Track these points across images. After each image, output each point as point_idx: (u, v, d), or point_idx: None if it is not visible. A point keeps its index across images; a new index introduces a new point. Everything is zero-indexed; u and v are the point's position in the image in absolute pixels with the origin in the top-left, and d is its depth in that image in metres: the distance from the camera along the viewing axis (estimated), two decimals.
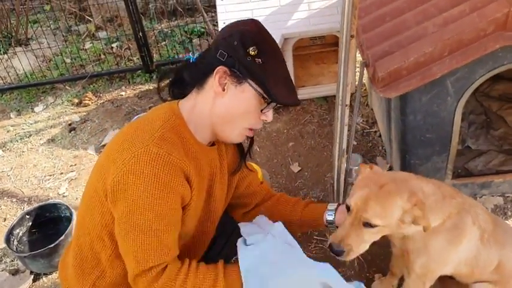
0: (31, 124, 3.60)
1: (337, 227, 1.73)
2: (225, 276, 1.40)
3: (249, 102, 1.40)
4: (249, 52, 1.34)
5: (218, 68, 1.36)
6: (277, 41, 2.98)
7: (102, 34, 4.52)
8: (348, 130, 2.12)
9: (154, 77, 3.92)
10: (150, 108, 3.57)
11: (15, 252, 2.37)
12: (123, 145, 1.33)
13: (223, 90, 1.38)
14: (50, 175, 3.07)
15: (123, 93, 3.81)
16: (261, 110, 1.44)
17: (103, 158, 1.43)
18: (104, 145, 3.25)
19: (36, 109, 3.76)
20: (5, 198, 2.93)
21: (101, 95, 3.82)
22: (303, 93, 3.31)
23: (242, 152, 1.69)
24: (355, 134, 2.94)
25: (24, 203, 2.88)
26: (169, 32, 4.41)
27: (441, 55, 1.93)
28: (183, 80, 1.49)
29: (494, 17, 1.84)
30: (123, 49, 4.30)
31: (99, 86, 3.93)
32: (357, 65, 3.29)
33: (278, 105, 1.45)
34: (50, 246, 2.29)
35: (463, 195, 1.71)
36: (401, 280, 2.04)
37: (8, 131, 3.54)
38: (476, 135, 2.76)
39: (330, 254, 1.55)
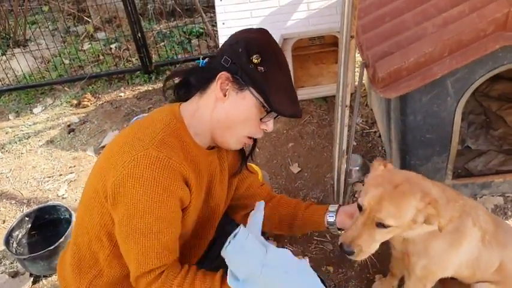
0: (30, 125, 3.59)
1: (338, 228, 1.73)
2: None
3: (248, 110, 1.40)
4: (252, 60, 1.34)
5: (221, 73, 1.36)
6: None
7: (100, 35, 4.51)
8: (348, 131, 2.12)
9: (153, 77, 3.92)
10: (149, 109, 3.57)
11: (15, 255, 2.37)
12: (124, 147, 1.34)
13: (225, 95, 1.38)
14: (49, 177, 3.07)
15: (122, 94, 3.81)
16: (261, 119, 1.43)
17: (103, 159, 1.43)
18: (103, 146, 3.24)
19: (35, 110, 3.75)
20: (4, 200, 2.92)
21: (100, 96, 3.82)
22: (302, 94, 3.30)
23: (243, 154, 1.69)
24: (355, 135, 2.94)
25: (24, 205, 2.88)
26: (168, 32, 4.40)
27: (441, 55, 1.93)
28: (189, 83, 1.49)
29: (494, 17, 1.84)
30: (121, 50, 4.29)
31: (98, 87, 3.92)
32: (356, 66, 3.28)
33: (278, 115, 1.44)
34: (49, 249, 2.28)
35: (464, 197, 1.71)
36: (402, 281, 2.05)
37: (6, 133, 3.53)
38: (476, 135, 2.76)
39: (339, 254, 1.53)
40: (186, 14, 4.57)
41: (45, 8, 4.68)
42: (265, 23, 2.98)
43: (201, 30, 4.37)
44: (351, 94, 2.16)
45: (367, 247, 1.50)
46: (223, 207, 1.70)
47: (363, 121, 3.13)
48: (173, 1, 4.59)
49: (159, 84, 3.84)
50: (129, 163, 1.29)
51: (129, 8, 3.56)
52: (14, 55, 4.05)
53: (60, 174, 3.07)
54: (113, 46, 4.35)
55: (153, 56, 4.06)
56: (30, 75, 3.98)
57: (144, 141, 1.32)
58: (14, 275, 2.44)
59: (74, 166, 3.13)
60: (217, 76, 1.37)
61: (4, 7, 4.46)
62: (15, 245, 2.43)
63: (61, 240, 2.32)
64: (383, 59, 2.03)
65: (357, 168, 2.73)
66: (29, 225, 2.51)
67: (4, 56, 4.15)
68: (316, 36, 3.43)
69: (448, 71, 1.92)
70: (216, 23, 3.31)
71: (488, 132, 2.76)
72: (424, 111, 2.13)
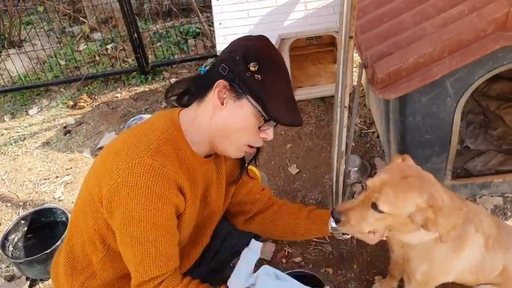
0: (25, 127, 3.56)
1: (342, 233, 1.71)
2: None
3: (246, 118, 1.38)
4: (249, 68, 1.33)
5: (218, 81, 1.35)
6: (274, 42, 2.97)
7: (96, 35, 4.48)
8: (347, 131, 2.10)
9: (149, 78, 3.89)
10: (146, 110, 3.55)
11: (11, 258, 2.34)
12: (120, 154, 1.33)
13: (222, 104, 1.37)
14: (45, 179, 3.04)
15: (118, 95, 3.78)
16: (260, 127, 1.41)
17: (99, 164, 1.43)
18: (99, 148, 3.22)
19: (31, 112, 3.72)
20: (0, 203, 2.90)
21: (96, 97, 3.79)
22: (300, 94, 3.29)
23: (243, 162, 1.68)
24: (353, 135, 2.92)
25: (20, 208, 2.85)
26: (165, 32, 4.38)
27: (441, 56, 1.92)
28: (190, 90, 1.49)
29: (494, 17, 1.83)
30: (118, 50, 4.26)
31: (94, 88, 3.89)
32: (355, 66, 3.27)
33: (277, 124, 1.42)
34: (46, 252, 2.26)
35: (468, 203, 1.70)
36: (401, 282, 2.04)
37: (2, 135, 3.50)
38: (475, 135, 2.75)
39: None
40: (183, 14, 4.54)
41: (40, 9, 4.63)
42: (262, 23, 2.96)
43: (198, 30, 4.35)
44: (349, 94, 2.15)
45: (355, 222, 1.51)
46: (220, 213, 1.70)
47: (361, 121, 3.12)
48: (169, 1, 4.56)
49: (156, 85, 3.82)
50: (124, 171, 1.28)
51: (125, 8, 3.54)
52: (9, 56, 4.02)
53: (57, 176, 3.05)
54: (109, 47, 4.33)
55: (150, 56, 4.03)
56: (26, 76, 3.95)
57: (139, 149, 1.32)
58: (10, 278, 2.42)
59: (71, 168, 3.10)
60: (215, 84, 1.36)
61: None
62: (11, 248, 2.40)
63: (58, 243, 2.30)
64: (382, 59, 2.02)
65: (356, 169, 2.72)
66: (25, 229, 2.48)
67: None
68: (314, 36, 3.42)
69: (447, 71, 1.91)
70: (212, 23, 3.28)
71: (487, 131, 2.75)
72: (424, 111, 2.12)
